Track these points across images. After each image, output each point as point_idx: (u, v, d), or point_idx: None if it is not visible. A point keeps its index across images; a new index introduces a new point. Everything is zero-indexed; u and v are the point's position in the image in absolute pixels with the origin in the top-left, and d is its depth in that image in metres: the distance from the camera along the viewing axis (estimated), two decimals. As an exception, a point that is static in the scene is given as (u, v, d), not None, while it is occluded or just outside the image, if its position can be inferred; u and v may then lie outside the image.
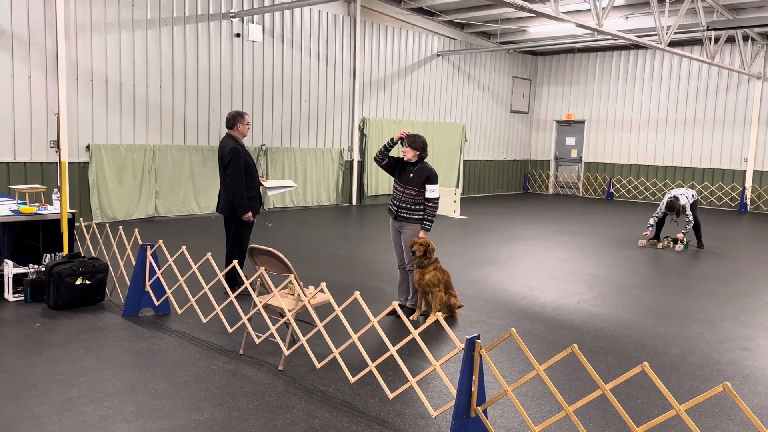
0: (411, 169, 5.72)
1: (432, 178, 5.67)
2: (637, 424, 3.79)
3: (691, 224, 9.85)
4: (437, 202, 5.73)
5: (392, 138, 5.76)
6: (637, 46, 16.94)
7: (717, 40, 14.86)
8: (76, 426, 3.53)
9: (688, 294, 7.06)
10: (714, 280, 7.78)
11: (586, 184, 18.54)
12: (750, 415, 2.51)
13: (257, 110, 12.59)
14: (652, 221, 10.15)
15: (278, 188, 6.58)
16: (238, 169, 6.08)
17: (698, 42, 15.91)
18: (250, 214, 6.15)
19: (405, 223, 5.77)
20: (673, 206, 9.67)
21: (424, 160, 5.77)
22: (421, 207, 5.72)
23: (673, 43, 16.02)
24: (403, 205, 5.74)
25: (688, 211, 9.75)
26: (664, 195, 16.96)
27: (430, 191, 5.67)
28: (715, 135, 16.23)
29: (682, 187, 16.46)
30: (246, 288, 4.91)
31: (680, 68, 16.59)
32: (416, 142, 5.66)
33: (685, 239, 9.95)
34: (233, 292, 5.02)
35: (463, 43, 16.70)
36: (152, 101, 11.12)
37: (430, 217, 5.70)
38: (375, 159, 5.81)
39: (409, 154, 5.68)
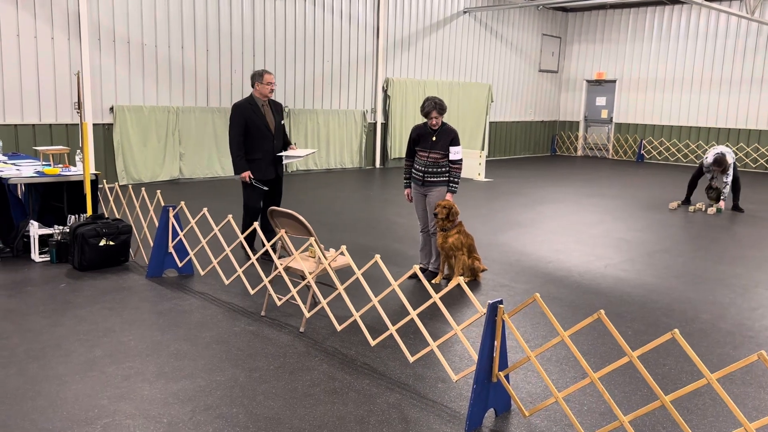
0: (432, 133, 5.59)
1: (456, 139, 5.58)
2: (664, 391, 3.70)
3: (729, 186, 9.49)
4: (461, 164, 5.63)
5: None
6: (673, 2, 16.25)
7: (758, -7, 14.14)
8: (99, 385, 3.56)
9: (720, 259, 6.86)
10: (747, 245, 7.54)
11: (616, 145, 18.09)
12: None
13: (279, 70, 12.43)
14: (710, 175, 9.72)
15: (293, 157, 6.39)
16: (233, 126, 6.02)
17: (738, -4, 15.19)
18: (245, 173, 6.06)
19: (432, 187, 5.67)
20: (722, 162, 9.23)
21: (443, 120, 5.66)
22: (446, 169, 5.62)
23: (711, -2, 15.33)
24: (429, 170, 5.63)
25: (730, 171, 9.36)
26: (697, 157, 16.49)
27: (454, 153, 5.56)
28: (753, 95, 15.61)
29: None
30: (246, 249, 4.89)
31: (717, 25, 15.90)
32: (443, 109, 5.52)
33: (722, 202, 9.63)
34: (253, 253, 4.99)
35: (490, -1, 16.21)
36: (174, 62, 11.03)
37: (456, 179, 5.61)
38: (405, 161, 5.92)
39: (438, 120, 5.54)
